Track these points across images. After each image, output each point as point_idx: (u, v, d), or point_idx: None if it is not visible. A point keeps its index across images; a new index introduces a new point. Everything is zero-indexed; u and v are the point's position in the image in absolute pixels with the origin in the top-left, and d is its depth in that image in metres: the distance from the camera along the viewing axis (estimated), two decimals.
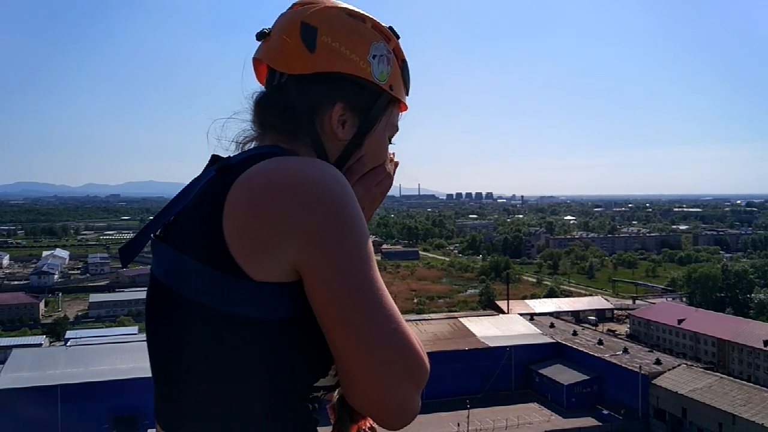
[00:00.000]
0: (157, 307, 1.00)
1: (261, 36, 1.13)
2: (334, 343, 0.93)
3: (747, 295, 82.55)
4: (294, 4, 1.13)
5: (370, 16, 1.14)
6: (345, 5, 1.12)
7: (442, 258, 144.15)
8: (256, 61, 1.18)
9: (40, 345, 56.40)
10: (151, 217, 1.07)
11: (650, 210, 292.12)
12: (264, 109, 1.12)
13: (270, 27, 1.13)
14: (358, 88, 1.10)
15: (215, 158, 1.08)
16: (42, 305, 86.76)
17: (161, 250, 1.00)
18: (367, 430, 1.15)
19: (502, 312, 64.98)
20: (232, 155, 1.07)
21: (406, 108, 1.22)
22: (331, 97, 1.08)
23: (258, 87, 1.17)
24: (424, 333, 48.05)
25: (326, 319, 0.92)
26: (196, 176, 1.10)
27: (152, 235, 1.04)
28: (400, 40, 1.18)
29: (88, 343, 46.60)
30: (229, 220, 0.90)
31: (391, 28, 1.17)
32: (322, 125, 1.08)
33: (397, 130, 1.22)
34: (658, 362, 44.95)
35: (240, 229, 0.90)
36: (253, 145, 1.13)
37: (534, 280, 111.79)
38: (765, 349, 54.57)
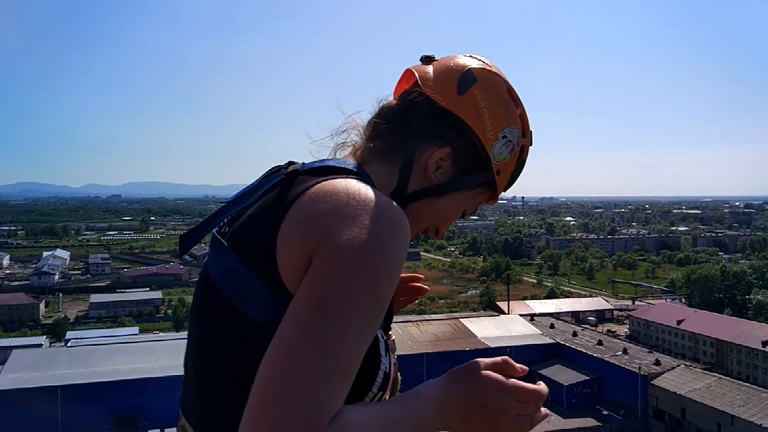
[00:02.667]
0: (204, 304, 1.00)
1: (426, 59, 1.18)
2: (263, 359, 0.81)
3: (745, 296, 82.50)
4: (471, 54, 1.18)
5: (524, 106, 1.17)
6: (510, 83, 1.16)
7: (443, 259, 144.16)
8: (406, 74, 1.20)
9: (40, 345, 56.39)
10: (221, 205, 1.06)
11: (650, 211, 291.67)
12: (387, 111, 1.13)
13: (437, 57, 1.19)
14: (472, 149, 1.11)
15: (290, 164, 1.08)
16: (42, 306, 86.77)
17: (220, 248, 0.99)
18: None
19: (503, 313, 64.94)
20: (306, 162, 1.07)
21: (493, 202, 1.21)
22: (445, 139, 1.10)
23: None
24: (425, 334, 48.15)
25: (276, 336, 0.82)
26: (265, 174, 1.10)
27: (214, 231, 1.04)
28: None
29: (89, 343, 46.28)
30: (283, 236, 0.89)
31: (531, 132, 1.19)
32: (421, 155, 1.09)
33: (475, 211, 1.21)
34: (657, 363, 45.05)
35: (288, 249, 0.88)
36: (345, 152, 1.14)
37: (534, 281, 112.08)
38: (763, 349, 54.67)
